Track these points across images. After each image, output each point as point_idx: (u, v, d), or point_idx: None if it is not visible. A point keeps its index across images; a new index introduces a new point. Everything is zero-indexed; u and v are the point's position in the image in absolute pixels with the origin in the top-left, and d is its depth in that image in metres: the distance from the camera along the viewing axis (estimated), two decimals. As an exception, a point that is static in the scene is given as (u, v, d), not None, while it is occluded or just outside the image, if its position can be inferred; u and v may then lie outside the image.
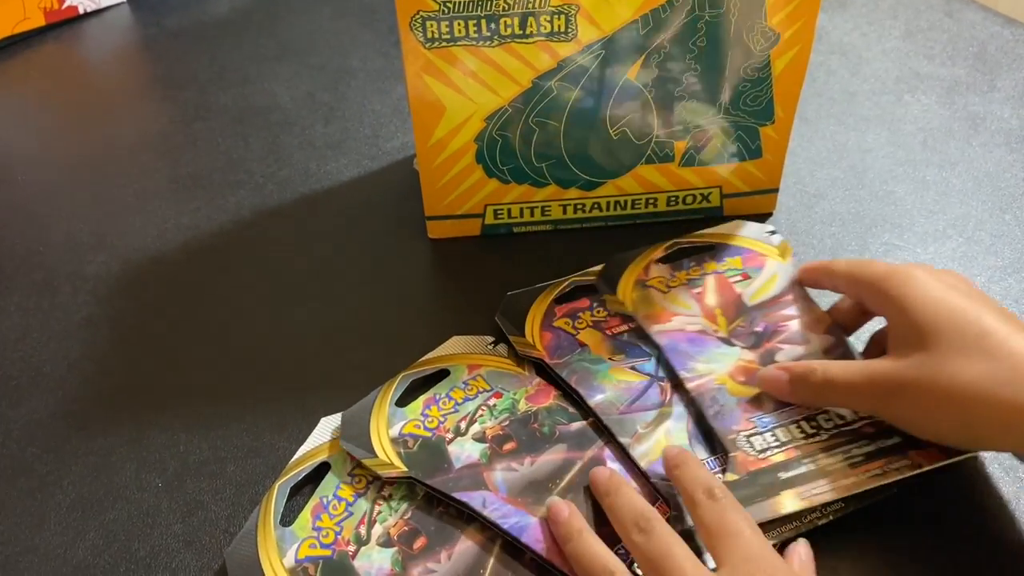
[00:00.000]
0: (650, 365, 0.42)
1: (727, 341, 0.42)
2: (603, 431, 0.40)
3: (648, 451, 0.38)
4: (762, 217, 0.52)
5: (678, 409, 0.40)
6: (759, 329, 0.42)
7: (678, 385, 0.41)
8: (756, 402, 0.39)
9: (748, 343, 0.42)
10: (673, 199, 0.51)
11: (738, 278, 0.45)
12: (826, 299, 0.45)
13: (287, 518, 0.38)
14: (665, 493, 0.37)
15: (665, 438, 0.39)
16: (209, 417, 0.42)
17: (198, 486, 0.40)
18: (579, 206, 0.51)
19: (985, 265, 0.48)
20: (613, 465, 0.38)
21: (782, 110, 0.47)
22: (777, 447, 0.37)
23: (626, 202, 0.51)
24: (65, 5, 0.71)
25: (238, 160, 0.58)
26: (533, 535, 0.36)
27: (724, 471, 0.37)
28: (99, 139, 0.61)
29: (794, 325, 0.42)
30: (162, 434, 0.42)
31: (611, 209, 0.51)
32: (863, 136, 0.58)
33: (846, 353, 0.41)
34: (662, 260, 0.47)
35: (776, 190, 0.51)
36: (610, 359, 0.42)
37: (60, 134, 0.61)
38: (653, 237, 0.50)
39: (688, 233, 0.49)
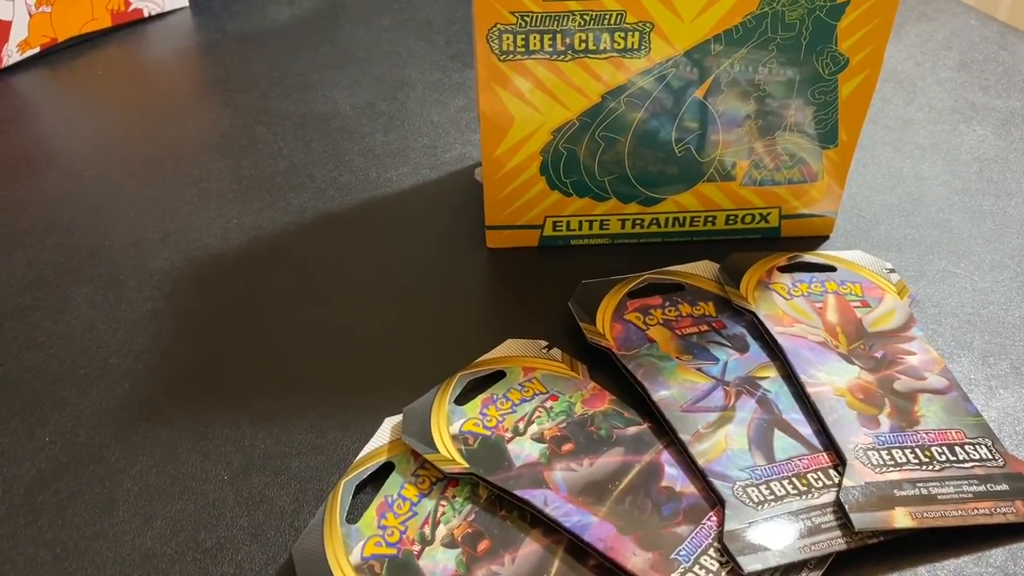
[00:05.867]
0: (716, 368, 0.43)
1: (847, 358, 0.43)
2: (662, 433, 0.41)
3: (707, 450, 0.39)
4: (819, 240, 0.52)
5: (741, 414, 0.41)
6: (878, 355, 0.43)
7: (798, 388, 0.42)
8: (874, 421, 0.40)
9: (867, 365, 0.43)
10: (732, 218, 0.51)
11: (857, 304, 0.46)
12: (942, 341, 0.45)
13: (352, 516, 0.38)
14: (721, 494, 0.37)
15: (725, 441, 0.39)
16: (273, 413, 0.43)
17: (263, 480, 0.40)
18: (638, 221, 0.51)
19: (1044, 296, 0.49)
20: (671, 470, 0.39)
21: (846, 134, 0.48)
22: (892, 466, 0.38)
23: (685, 219, 0.51)
24: (131, 7, 0.73)
25: (300, 164, 0.59)
26: (595, 533, 0.36)
27: (839, 473, 0.38)
28: (162, 138, 0.62)
29: (912, 360, 0.43)
30: (226, 428, 0.42)
31: (669, 225, 0.51)
32: (919, 164, 0.58)
33: (958, 398, 0.41)
34: (782, 269, 0.48)
35: (835, 213, 0.51)
36: (677, 358, 0.43)
37: (124, 132, 0.63)
38: (710, 254, 0.50)
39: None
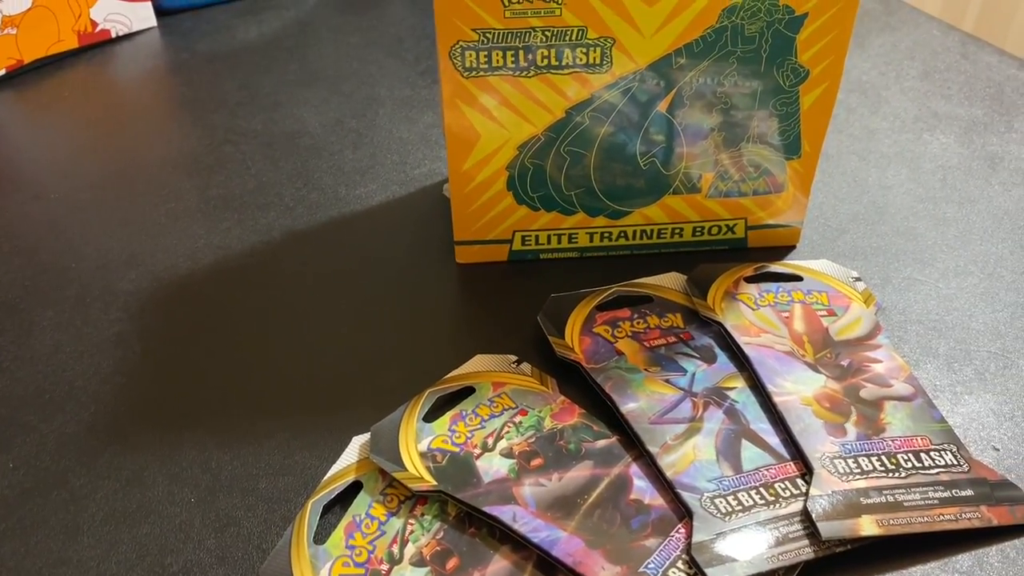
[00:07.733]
0: (684, 380, 0.43)
1: (813, 367, 0.44)
2: (630, 445, 0.41)
3: (675, 462, 0.39)
4: (785, 250, 0.52)
5: (708, 425, 0.41)
6: (844, 363, 0.44)
7: (765, 397, 0.42)
8: (840, 429, 0.40)
9: (833, 374, 0.43)
10: (699, 229, 0.51)
11: (824, 313, 0.47)
12: (907, 348, 0.45)
13: (320, 536, 0.38)
14: (689, 505, 0.37)
15: (693, 452, 0.39)
16: (240, 434, 0.43)
17: (230, 502, 0.40)
18: (606, 234, 0.51)
19: (1007, 302, 0.49)
20: (640, 483, 0.39)
21: (809, 145, 0.48)
22: (859, 474, 0.38)
23: (652, 231, 0.51)
24: (98, 28, 0.73)
25: (268, 183, 0.59)
26: (564, 548, 0.36)
27: (807, 482, 0.38)
28: (130, 159, 0.61)
29: (878, 368, 0.44)
30: (193, 450, 0.42)
31: (637, 238, 0.52)
32: (884, 173, 0.59)
33: (924, 404, 0.42)
34: (748, 279, 0.49)
35: (801, 223, 0.52)
36: (646, 370, 0.43)
37: (92, 153, 0.62)
38: (677, 266, 0.51)
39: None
